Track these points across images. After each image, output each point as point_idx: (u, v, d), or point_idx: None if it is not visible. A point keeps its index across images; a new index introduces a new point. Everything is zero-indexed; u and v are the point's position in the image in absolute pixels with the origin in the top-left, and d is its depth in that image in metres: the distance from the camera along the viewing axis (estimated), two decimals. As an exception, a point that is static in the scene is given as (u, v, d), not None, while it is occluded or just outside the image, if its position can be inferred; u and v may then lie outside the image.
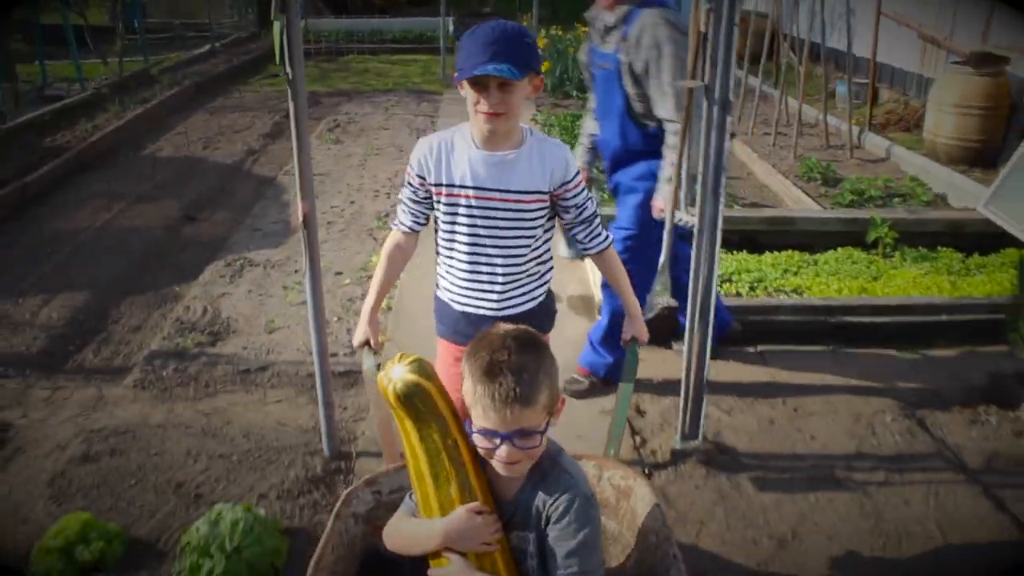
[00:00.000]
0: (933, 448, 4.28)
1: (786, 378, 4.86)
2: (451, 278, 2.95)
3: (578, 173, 2.84)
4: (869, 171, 8.64)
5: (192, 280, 6.38)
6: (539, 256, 2.93)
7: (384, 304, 2.82)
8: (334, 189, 8.49)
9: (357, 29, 19.35)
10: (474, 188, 2.77)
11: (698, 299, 3.82)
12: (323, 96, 13.39)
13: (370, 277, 6.09)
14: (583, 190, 2.86)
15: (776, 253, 6.18)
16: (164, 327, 5.58)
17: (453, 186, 2.78)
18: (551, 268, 3.01)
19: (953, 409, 4.63)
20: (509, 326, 2.27)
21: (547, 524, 2.21)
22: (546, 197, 2.81)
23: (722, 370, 4.83)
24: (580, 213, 2.89)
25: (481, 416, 2.13)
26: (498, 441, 2.13)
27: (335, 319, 5.59)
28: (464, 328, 2.92)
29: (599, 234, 2.95)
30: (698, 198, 3.69)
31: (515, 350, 2.14)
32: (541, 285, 2.98)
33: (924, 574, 3.44)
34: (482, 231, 2.82)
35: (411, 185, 2.88)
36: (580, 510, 2.19)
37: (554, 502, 2.20)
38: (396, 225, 2.98)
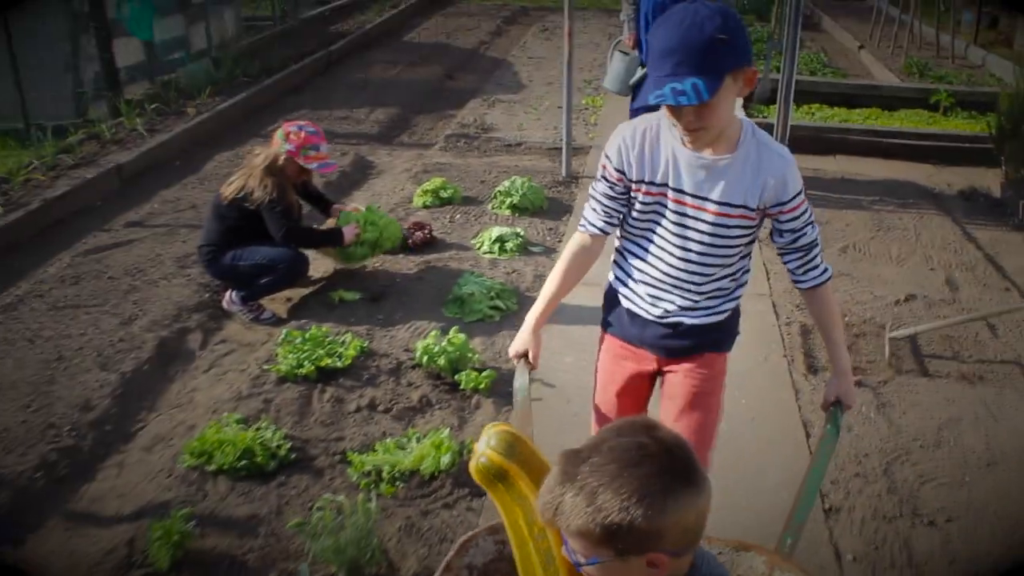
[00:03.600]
0: (929, 199, 6.97)
1: (850, 172, 7.57)
2: (629, 273, 2.57)
3: (799, 194, 2.36)
4: (962, 72, 11.08)
5: (460, 108, 9.55)
6: (733, 273, 2.51)
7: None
8: (549, 66, 11.50)
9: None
10: (673, 190, 2.37)
11: (784, 98, 6.63)
12: (531, 10, 16.44)
13: (585, 108, 9.14)
14: (803, 213, 2.38)
15: (864, 109, 8.83)
16: (450, 126, 8.75)
17: (654, 184, 2.38)
18: (745, 283, 2.59)
19: (953, 188, 7.27)
20: (676, 441, 1.67)
21: None
22: (754, 214, 2.36)
23: (806, 162, 7.59)
24: (795, 239, 2.41)
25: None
26: None
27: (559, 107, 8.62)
28: (630, 326, 2.61)
29: (815, 267, 2.46)
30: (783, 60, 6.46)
31: (620, 466, 1.59)
32: (728, 301, 2.55)
33: (896, 229, 6.18)
34: (674, 237, 2.42)
35: (607, 180, 2.46)
36: None
37: None
38: (583, 227, 2.55)
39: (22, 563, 3.26)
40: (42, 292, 5.33)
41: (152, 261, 5.74)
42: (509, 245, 5.68)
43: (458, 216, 6.36)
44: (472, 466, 2.03)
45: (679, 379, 2.59)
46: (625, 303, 2.59)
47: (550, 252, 5.76)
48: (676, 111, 2.21)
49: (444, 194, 6.53)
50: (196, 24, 10.55)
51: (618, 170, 2.41)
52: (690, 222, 2.39)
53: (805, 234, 2.40)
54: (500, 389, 4.22)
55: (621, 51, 7.11)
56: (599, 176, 2.49)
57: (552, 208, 6.52)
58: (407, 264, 5.59)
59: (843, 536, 3.39)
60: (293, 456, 3.78)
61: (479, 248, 5.75)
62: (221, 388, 4.40)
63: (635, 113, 6.88)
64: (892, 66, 11.23)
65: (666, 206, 2.40)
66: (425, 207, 6.45)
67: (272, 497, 3.58)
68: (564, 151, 7.11)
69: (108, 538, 3.39)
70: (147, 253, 5.87)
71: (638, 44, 7.05)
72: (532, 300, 5.03)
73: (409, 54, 12.29)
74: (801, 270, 2.46)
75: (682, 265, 2.45)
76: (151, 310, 5.07)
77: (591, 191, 2.52)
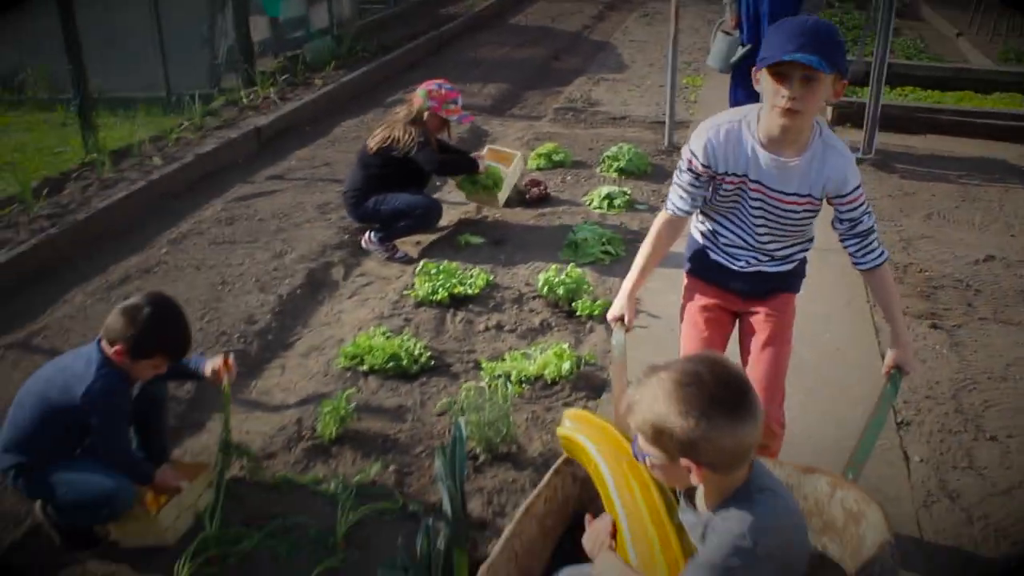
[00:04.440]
0: (1016, 175, 7.29)
1: (939, 150, 7.93)
2: (714, 240, 3.03)
3: (857, 188, 2.79)
4: (1062, 61, 11.28)
5: (566, 85, 10.13)
6: (804, 240, 3.01)
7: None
8: (650, 50, 12.03)
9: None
10: (755, 182, 2.80)
11: (877, 79, 7.04)
12: (633, -4, 16.96)
13: (686, 87, 9.63)
14: (859, 205, 2.81)
15: (957, 92, 9.14)
16: (558, 100, 9.34)
17: (736, 175, 2.81)
18: (813, 239, 3.05)
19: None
20: (733, 374, 2.08)
21: None
22: (818, 201, 2.82)
23: (896, 140, 7.97)
24: (853, 227, 2.83)
25: None
26: None
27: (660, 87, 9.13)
28: (716, 274, 3.08)
29: (872, 250, 2.86)
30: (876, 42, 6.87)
31: (676, 384, 2.02)
32: (800, 253, 3.05)
33: (980, 200, 6.56)
34: (753, 217, 2.88)
35: (693, 171, 2.86)
36: (725, 545, 2.04)
37: (716, 527, 2.09)
38: (670, 208, 2.96)
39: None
40: (202, 230, 6.07)
41: (295, 208, 6.44)
42: (617, 202, 6.24)
43: (569, 177, 6.94)
44: (560, 440, 2.72)
45: (759, 319, 3.07)
46: (712, 257, 3.04)
47: (654, 210, 6.29)
48: (784, 83, 2.56)
49: (556, 157, 7.12)
50: (316, 4, 11.29)
51: (705, 165, 2.82)
52: (767, 206, 2.85)
53: (862, 222, 2.82)
54: (610, 318, 4.78)
55: (724, 32, 7.57)
56: (684, 168, 2.88)
57: (655, 173, 7.05)
58: (524, 216, 6.20)
59: (912, 444, 3.87)
60: (432, 363, 4.41)
61: (589, 204, 6.33)
62: (364, 311, 5.06)
63: (735, 91, 7.37)
64: (990, 54, 11.45)
65: (746, 192, 2.84)
66: (539, 169, 7.04)
67: (416, 393, 4.20)
68: (668, 123, 7.64)
69: (277, 420, 4.05)
70: (290, 201, 6.58)
71: (739, 25, 7.51)
72: (639, 249, 5.61)
73: (516, 36, 12.92)
74: (860, 253, 2.87)
75: (760, 237, 2.93)
76: (298, 247, 5.76)
77: (676, 179, 2.94)
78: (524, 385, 4.18)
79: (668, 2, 8.10)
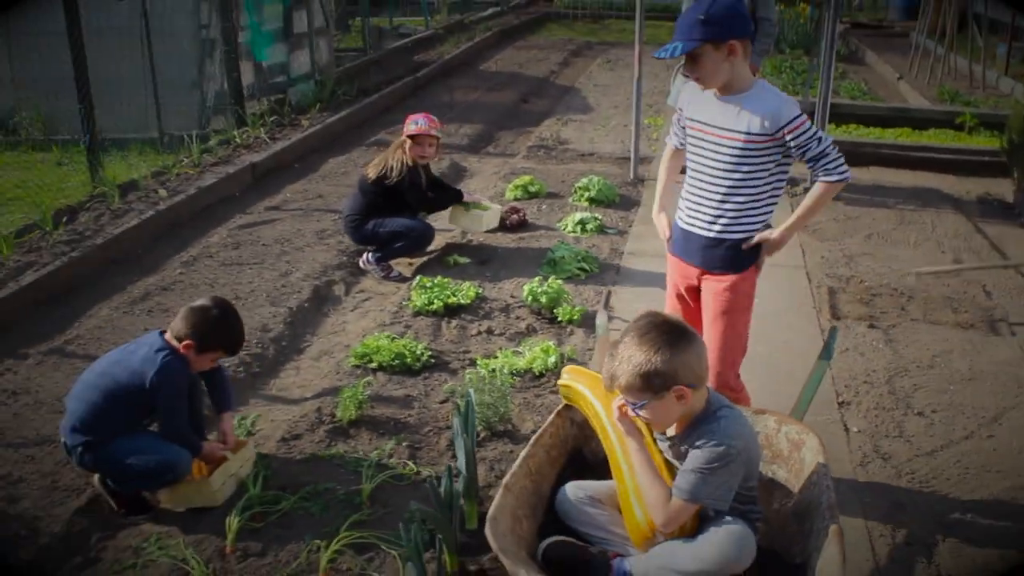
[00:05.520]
0: (948, 202, 8.04)
1: (881, 181, 8.68)
2: (684, 198, 3.48)
3: (797, 117, 3.15)
4: (990, 99, 12.15)
5: (537, 126, 10.83)
6: (760, 192, 3.30)
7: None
8: (613, 93, 12.79)
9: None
10: (707, 124, 3.28)
11: (821, 116, 7.78)
12: (595, 44, 17.83)
13: (648, 126, 10.35)
14: (805, 131, 3.16)
15: (896, 128, 9.94)
16: (530, 139, 10.03)
17: (694, 120, 3.36)
18: (772, 207, 3.39)
19: (971, 195, 8.33)
20: (670, 317, 2.80)
21: None
22: (766, 139, 3.17)
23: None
24: (804, 153, 3.18)
25: None
26: None
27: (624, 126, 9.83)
28: (683, 244, 3.53)
29: (827, 170, 3.21)
30: (820, 81, 7.62)
31: (639, 337, 2.64)
32: (758, 220, 3.35)
33: (915, 223, 7.29)
34: (711, 161, 3.28)
35: (678, 117, 3.58)
36: (709, 451, 2.61)
37: (695, 443, 2.68)
38: (669, 140, 3.71)
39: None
40: (211, 253, 6.63)
41: (295, 234, 7.02)
42: (589, 226, 6.90)
43: (544, 206, 7.59)
44: (560, 389, 3.32)
45: (708, 297, 3.51)
46: (679, 222, 3.50)
47: (622, 233, 6.97)
48: (686, 62, 3.20)
49: (532, 189, 7.78)
50: (296, 51, 11.93)
51: (680, 108, 3.49)
52: (723, 148, 3.26)
53: (810, 148, 3.18)
54: (588, 322, 5.39)
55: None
56: (675, 115, 3.64)
57: (623, 202, 7.73)
58: (505, 240, 6.83)
59: (851, 418, 4.52)
60: (433, 360, 4.99)
61: (564, 228, 6.98)
62: (367, 321, 5.64)
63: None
64: (928, 95, 12.32)
65: (704, 138, 3.32)
66: (516, 199, 7.69)
67: (420, 385, 4.78)
68: (633, 158, 8.34)
69: (298, 410, 4.60)
70: (289, 228, 7.16)
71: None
72: (610, 266, 6.20)
73: (487, 81, 13.66)
74: (814, 171, 3.27)
75: (722, 182, 3.30)
76: (302, 267, 6.34)
77: (671, 124, 3.71)
78: (515, 377, 4.77)
79: (629, 49, 8.65)
